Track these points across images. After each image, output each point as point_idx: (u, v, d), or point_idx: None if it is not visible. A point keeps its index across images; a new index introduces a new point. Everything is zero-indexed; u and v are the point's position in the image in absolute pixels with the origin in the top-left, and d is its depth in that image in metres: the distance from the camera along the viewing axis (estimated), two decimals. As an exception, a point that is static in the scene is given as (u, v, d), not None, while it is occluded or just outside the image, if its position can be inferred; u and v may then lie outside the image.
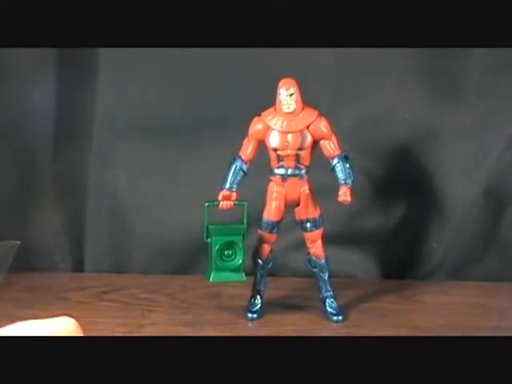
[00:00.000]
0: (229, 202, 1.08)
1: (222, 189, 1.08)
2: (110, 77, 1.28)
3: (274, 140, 1.08)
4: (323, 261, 1.12)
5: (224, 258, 1.09)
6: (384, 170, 1.30)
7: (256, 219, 1.11)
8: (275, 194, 1.09)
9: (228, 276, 1.10)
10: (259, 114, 1.09)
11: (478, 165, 1.29)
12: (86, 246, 1.34)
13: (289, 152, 1.07)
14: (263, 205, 1.10)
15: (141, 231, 1.33)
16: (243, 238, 1.10)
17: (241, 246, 1.09)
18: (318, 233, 1.11)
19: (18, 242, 1.16)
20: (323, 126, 1.08)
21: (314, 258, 1.12)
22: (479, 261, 1.32)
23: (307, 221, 1.10)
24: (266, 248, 1.12)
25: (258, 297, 1.13)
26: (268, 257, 1.12)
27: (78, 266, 1.34)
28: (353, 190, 1.07)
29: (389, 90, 1.28)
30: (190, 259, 1.32)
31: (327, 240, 1.13)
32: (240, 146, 1.10)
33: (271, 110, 1.09)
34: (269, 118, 1.08)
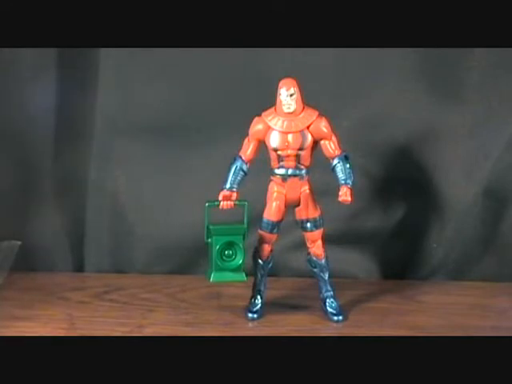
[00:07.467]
0: (229, 202, 1.08)
1: (222, 189, 1.08)
2: (110, 77, 1.28)
3: (274, 140, 1.08)
4: (323, 261, 1.12)
5: (224, 258, 1.09)
6: (384, 170, 1.30)
7: (256, 219, 1.11)
8: (275, 194, 1.09)
9: (228, 276, 1.10)
10: (259, 114, 1.09)
11: (477, 165, 1.29)
12: (85, 246, 1.34)
13: (289, 152, 1.07)
14: (263, 205, 1.10)
15: (141, 231, 1.33)
16: (243, 238, 1.09)
17: (241, 246, 1.09)
18: (318, 233, 1.11)
19: (19, 242, 1.15)
20: (323, 126, 1.08)
21: (314, 258, 1.12)
22: (479, 261, 1.32)
23: (307, 221, 1.10)
24: (267, 248, 1.12)
25: (259, 297, 1.13)
26: (268, 257, 1.12)
27: (78, 266, 1.34)
28: (353, 190, 1.07)
29: (389, 90, 1.28)
30: (190, 259, 1.32)
31: (327, 240, 1.13)
32: (240, 146, 1.10)
33: (271, 110, 1.08)
34: (269, 118, 1.08)
